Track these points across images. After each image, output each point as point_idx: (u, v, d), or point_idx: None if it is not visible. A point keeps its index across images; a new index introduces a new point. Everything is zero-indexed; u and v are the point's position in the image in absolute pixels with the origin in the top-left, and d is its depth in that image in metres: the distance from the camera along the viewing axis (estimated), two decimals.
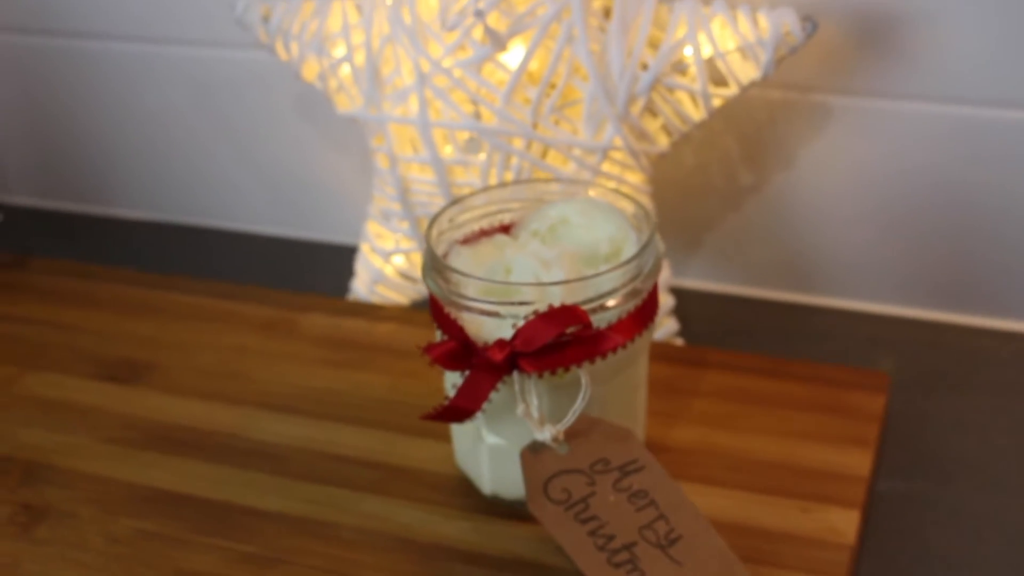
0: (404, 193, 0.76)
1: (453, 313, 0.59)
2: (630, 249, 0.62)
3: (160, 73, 0.94)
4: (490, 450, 0.63)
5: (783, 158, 0.80)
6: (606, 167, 0.73)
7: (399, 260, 0.81)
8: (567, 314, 0.56)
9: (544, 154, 0.73)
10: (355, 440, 0.70)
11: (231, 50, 0.90)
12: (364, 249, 0.82)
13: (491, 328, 0.58)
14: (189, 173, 0.98)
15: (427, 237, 0.61)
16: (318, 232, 0.96)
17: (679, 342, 0.79)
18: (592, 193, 0.64)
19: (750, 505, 0.63)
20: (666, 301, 0.77)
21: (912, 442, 0.72)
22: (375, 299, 0.83)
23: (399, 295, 0.82)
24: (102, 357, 0.79)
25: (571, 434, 0.58)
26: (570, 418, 0.58)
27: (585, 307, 0.57)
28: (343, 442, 0.70)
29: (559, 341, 0.56)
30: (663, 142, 0.74)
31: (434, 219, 0.62)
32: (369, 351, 0.77)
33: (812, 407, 0.70)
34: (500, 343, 0.57)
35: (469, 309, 0.58)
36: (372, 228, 0.81)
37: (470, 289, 0.58)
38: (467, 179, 0.75)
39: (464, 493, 0.65)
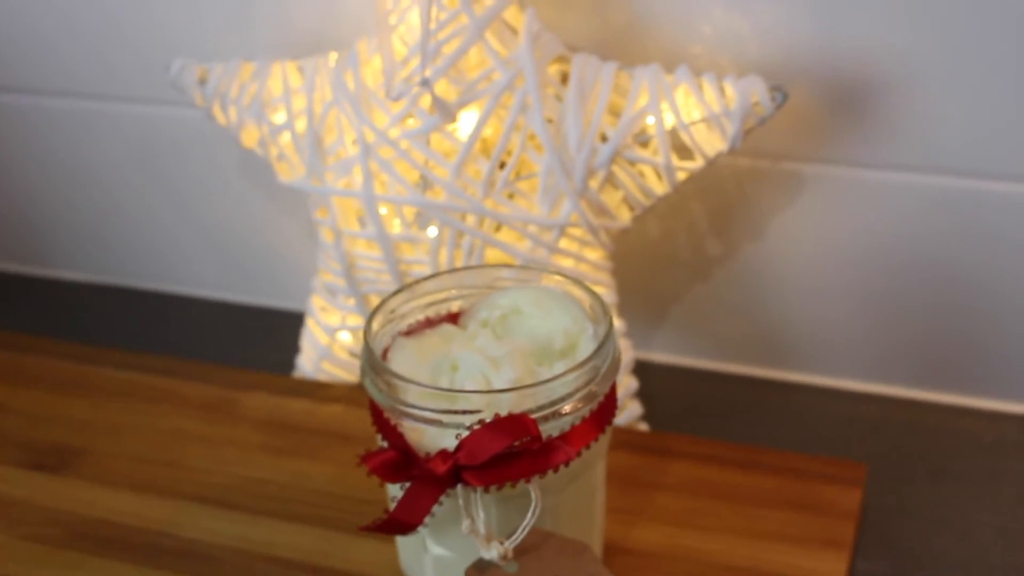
0: (349, 269, 0.72)
1: (393, 419, 0.54)
2: (586, 343, 0.58)
3: (101, 131, 0.89)
4: (435, 561, 0.58)
5: (753, 228, 0.76)
6: (563, 244, 0.69)
7: (346, 336, 0.76)
8: (515, 425, 0.52)
9: (497, 229, 0.69)
10: (294, 540, 0.65)
11: (175, 108, 0.85)
12: (309, 324, 0.78)
13: (434, 436, 0.53)
14: (132, 234, 0.93)
15: (365, 333, 0.57)
16: (265, 297, 0.92)
17: (643, 427, 0.74)
18: (546, 281, 0.60)
19: None
20: (629, 383, 0.73)
21: (889, 538, 0.67)
22: (321, 376, 0.78)
23: (347, 373, 0.78)
24: (30, 442, 0.74)
25: (521, 551, 0.54)
26: (519, 535, 0.53)
27: (537, 414, 0.52)
28: (281, 542, 0.65)
29: (507, 453, 0.52)
30: (624, 217, 0.70)
31: (373, 313, 0.58)
32: (314, 436, 0.73)
33: (783, 503, 0.66)
34: (443, 454, 0.53)
35: (409, 416, 0.53)
36: (317, 302, 0.77)
37: (411, 394, 0.53)
38: (416, 256, 0.70)
39: None
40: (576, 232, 0.68)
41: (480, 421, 0.52)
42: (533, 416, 0.52)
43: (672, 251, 0.79)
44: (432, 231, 0.70)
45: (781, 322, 0.78)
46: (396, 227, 0.70)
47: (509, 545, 0.53)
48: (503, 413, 0.52)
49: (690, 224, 0.77)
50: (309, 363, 0.78)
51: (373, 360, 0.55)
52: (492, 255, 0.70)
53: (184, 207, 0.90)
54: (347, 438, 0.72)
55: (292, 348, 0.82)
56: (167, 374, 0.79)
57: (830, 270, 0.76)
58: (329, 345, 0.77)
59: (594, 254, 0.70)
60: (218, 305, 0.93)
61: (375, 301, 0.73)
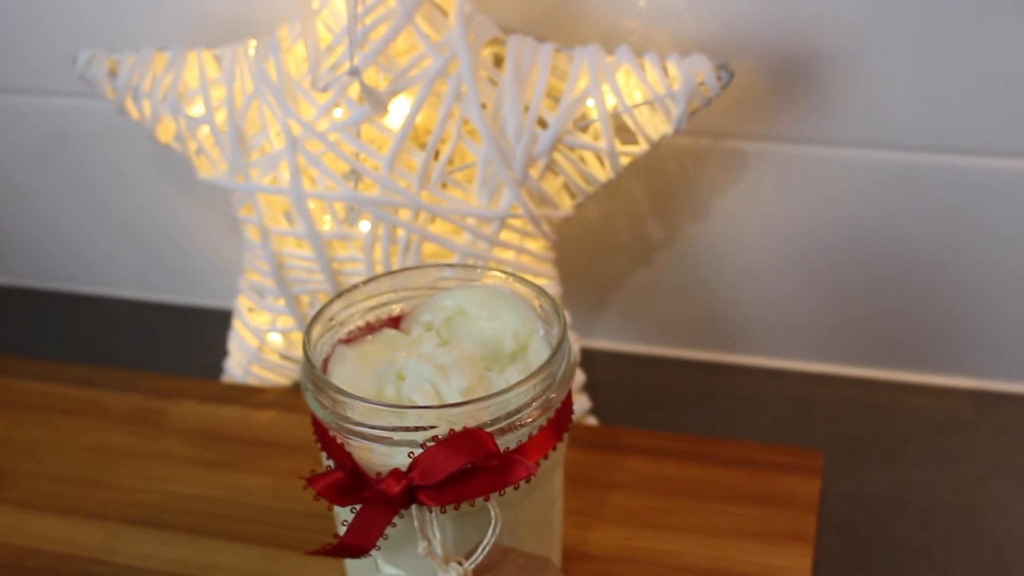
0: (278, 269, 0.68)
1: (339, 437, 0.51)
2: (537, 345, 0.55)
3: (5, 123, 0.84)
4: None
5: (695, 209, 0.74)
6: (504, 235, 0.66)
7: (276, 338, 0.72)
8: (472, 441, 0.48)
9: (433, 222, 0.66)
10: (234, 561, 0.61)
11: (84, 99, 0.80)
12: (237, 326, 0.74)
13: (383, 453, 0.50)
14: (41, 232, 0.88)
15: (304, 345, 0.53)
16: (187, 295, 0.87)
17: (591, 421, 0.71)
18: (490, 280, 0.57)
19: None
20: (577, 377, 0.70)
21: (849, 527, 0.66)
22: (252, 380, 0.74)
23: (279, 376, 0.74)
24: None
25: (480, 569, 0.51)
26: (479, 555, 0.50)
27: (493, 427, 0.49)
28: (221, 564, 0.61)
29: (464, 470, 0.49)
30: (566, 205, 0.67)
31: (311, 323, 0.54)
32: (247, 446, 0.69)
33: (742, 497, 0.63)
34: (396, 474, 0.49)
35: (357, 435, 0.50)
36: (244, 303, 0.73)
37: (357, 411, 0.50)
38: (349, 253, 0.66)
39: None
40: (517, 223, 0.65)
41: (434, 437, 0.49)
42: (489, 429, 0.49)
43: (612, 235, 0.76)
44: (365, 226, 0.67)
45: (726, 304, 0.76)
46: (327, 224, 0.66)
47: (468, 566, 0.50)
48: (458, 428, 0.49)
49: (630, 207, 0.75)
50: (238, 367, 0.74)
51: (314, 375, 0.52)
52: (429, 250, 0.66)
53: (97, 202, 0.85)
54: (283, 447, 0.68)
55: (219, 349, 0.79)
56: (87, 384, 0.75)
57: (775, 250, 0.74)
58: (259, 348, 0.73)
59: (535, 245, 0.67)
60: (136, 305, 0.88)
61: (306, 301, 0.70)
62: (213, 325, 0.83)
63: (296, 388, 0.74)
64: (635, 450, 0.67)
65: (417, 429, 0.49)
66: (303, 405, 0.71)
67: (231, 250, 0.82)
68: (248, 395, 0.73)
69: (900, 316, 0.74)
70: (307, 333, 0.54)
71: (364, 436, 0.50)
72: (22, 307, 0.89)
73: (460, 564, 0.50)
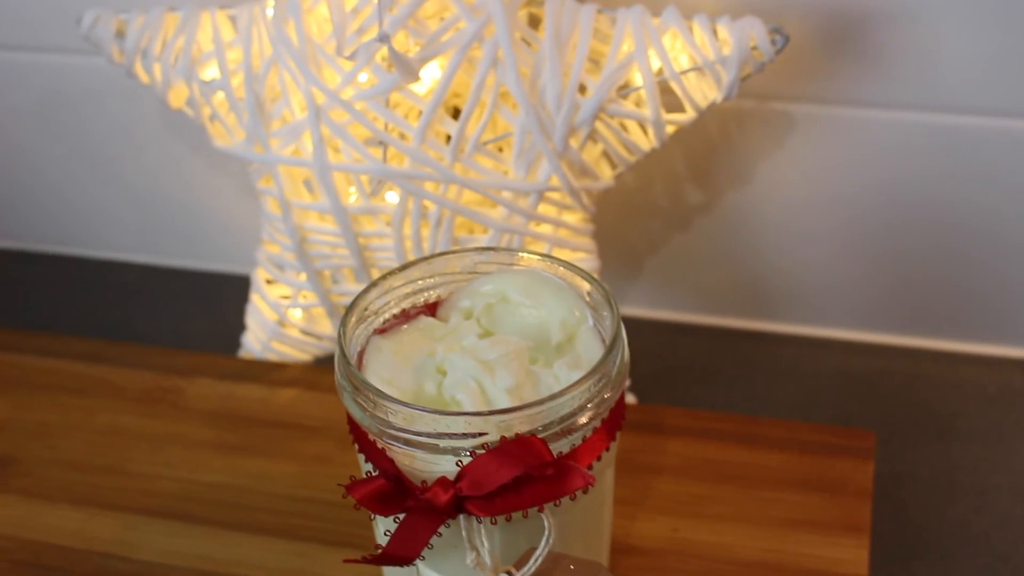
0: (301, 243, 0.64)
1: (380, 442, 0.48)
2: (586, 336, 0.51)
3: (6, 81, 0.79)
4: None
5: (737, 173, 0.70)
6: (541, 209, 0.62)
7: (297, 313, 0.69)
8: (525, 450, 0.45)
9: (460, 194, 0.62)
10: (261, 557, 0.58)
11: (86, 56, 0.75)
12: (255, 300, 0.70)
13: (429, 460, 0.47)
14: (43, 194, 0.83)
15: (339, 338, 0.50)
16: (200, 260, 0.83)
17: (630, 399, 0.68)
18: (531, 263, 0.53)
19: None
20: None
21: (902, 511, 0.63)
22: (271, 356, 0.71)
23: (300, 352, 0.70)
24: None
25: None
26: (531, 567, 0.47)
27: (546, 432, 0.46)
28: (247, 560, 0.58)
29: (515, 479, 0.46)
30: (606, 175, 0.63)
31: (346, 316, 0.50)
32: (270, 428, 0.66)
33: (792, 483, 0.61)
34: (443, 483, 0.46)
35: (399, 440, 0.47)
36: (262, 275, 0.69)
37: (399, 416, 0.47)
38: (376, 228, 0.63)
39: None
40: (555, 196, 0.62)
41: (484, 445, 0.46)
42: (542, 435, 0.46)
43: (649, 199, 0.72)
44: (392, 196, 0.63)
45: (767, 271, 0.73)
46: (353, 196, 0.62)
47: None
48: (509, 434, 0.46)
49: (668, 170, 0.71)
50: (257, 342, 0.71)
51: (351, 374, 0.48)
52: (462, 224, 0.63)
53: (103, 163, 0.81)
54: (307, 429, 0.65)
55: (236, 318, 0.75)
56: (97, 360, 0.71)
57: (820, 215, 0.70)
58: (278, 323, 0.69)
59: (573, 217, 0.63)
60: (146, 269, 0.84)
61: (328, 276, 0.66)
62: (229, 291, 0.79)
63: (319, 364, 0.71)
64: (679, 431, 0.64)
65: (465, 436, 0.46)
66: (327, 382, 0.68)
67: (247, 213, 0.78)
68: (268, 372, 0.70)
69: (948, 283, 0.71)
70: (342, 326, 0.50)
71: (408, 443, 0.47)
72: (24, 272, 0.85)
73: (510, 574, 0.47)
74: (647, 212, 0.72)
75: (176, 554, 0.59)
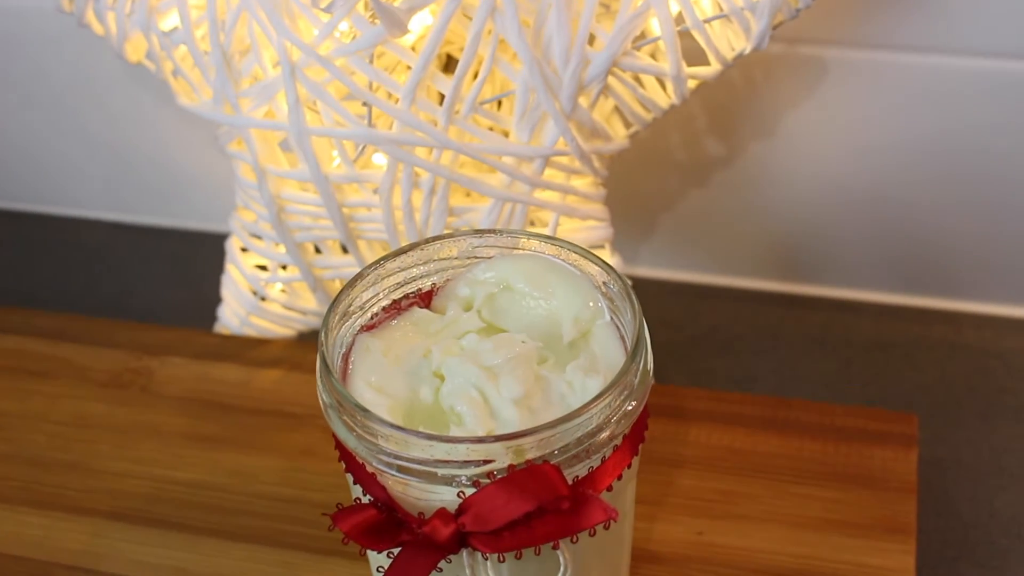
0: (278, 214, 0.58)
1: (370, 467, 0.42)
2: (602, 333, 0.46)
3: None
4: None
5: (761, 124, 0.63)
6: (547, 174, 0.55)
7: (277, 287, 0.62)
8: (537, 481, 0.39)
9: (461, 160, 0.55)
10: (243, 568, 0.53)
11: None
12: (231, 271, 0.63)
13: (426, 489, 0.41)
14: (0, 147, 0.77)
15: (320, 349, 0.43)
16: (170, 217, 0.77)
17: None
18: (536, 246, 0.47)
19: None
20: None
21: (948, 504, 0.57)
22: (250, 331, 0.64)
23: (281, 327, 0.64)
24: None
25: None
26: None
27: (562, 456, 0.40)
28: (227, 572, 0.53)
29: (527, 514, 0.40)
30: (619, 134, 0.56)
31: (328, 314, 0.44)
32: (250, 416, 0.60)
33: (828, 476, 0.55)
34: (443, 515, 0.40)
35: (391, 467, 0.41)
36: (237, 244, 0.63)
37: (391, 440, 0.41)
38: (362, 198, 0.56)
39: None
40: (562, 160, 0.55)
41: (490, 474, 0.40)
42: (558, 460, 0.40)
43: (664, 153, 0.65)
44: (379, 159, 0.56)
45: (793, 229, 0.66)
46: (336, 162, 0.56)
47: None
48: (519, 459, 0.40)
49: (686, 121, 0.64)
50: (234, 317, 0.64)
51: (335, 389, 0.42)
52: (458, 191, 0.56)
53: (63, 115, 0.74)
54: (292, 417, 0.59)
55: (211, 281, 0.68)
56: (61, 338, 0.65)
57: (852, 168, 0.64)
58: (256, 296, 0.63)
59: (583, 182, 0.57)
60: (112, 227, 0.77)
61: (311, 249, 0.60)
62: (205, 251, 0.73)
63: (303, 340, 0.65)
64: (702, 416, 0.58)
65: (467, 464, 0.40)
66: (312, 361, 0.62)
67: (223, 166, 0.72)
68: (247, 349, 0.63)
69: (991, 241, 0.64)
70: (323, 328, 0.44)
71: (401, 470, 0.41)
72: None
73: None
74: (662, 165, 0.66)
75: (149, 566, 0.53)
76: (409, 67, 0.53)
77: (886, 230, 0.65)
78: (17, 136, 0.75)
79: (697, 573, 0.52)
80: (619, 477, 0.43)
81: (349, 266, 0.59)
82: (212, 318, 0.67)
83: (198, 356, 0.63)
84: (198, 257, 0.74)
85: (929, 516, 0.56)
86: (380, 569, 0.42)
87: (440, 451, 0.40)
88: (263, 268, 0.62)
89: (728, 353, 0.65)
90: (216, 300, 0.67)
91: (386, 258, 0.47)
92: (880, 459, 0.55)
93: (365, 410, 0.41)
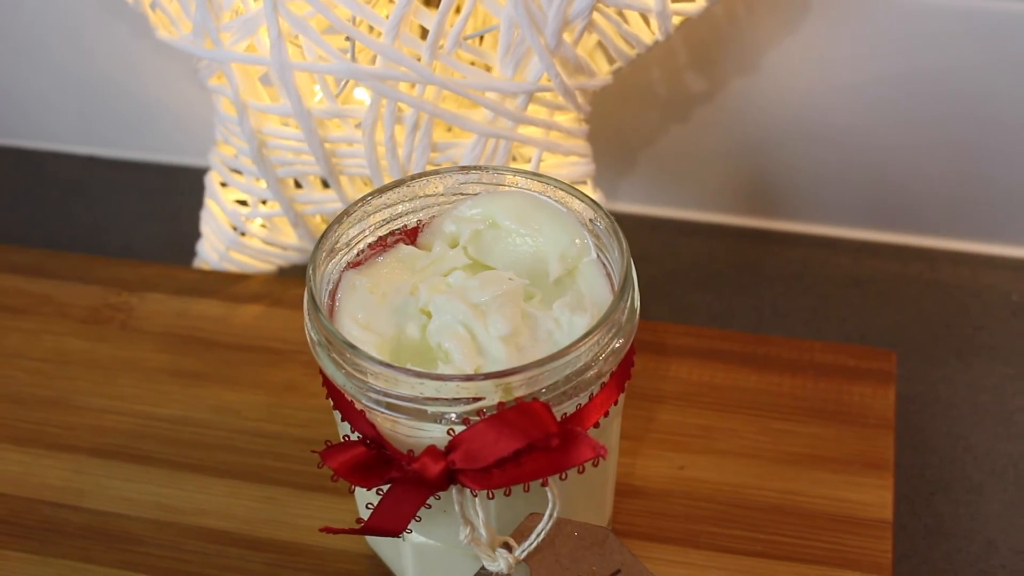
0: (259, 148, 0.57)
1: (359, 404, 0.42)
2: (589, 270, 0.46)
3: None
4: (415, 549, 0.47)
5: (743, 59, 0.63)
6: (530, 110, 0.55)
7: (258, 222, 0.62)
8: (527, 418, 0.40)
9: (445, 98, 0.55)
10: (227, 504, 0.53)
11: None
12: (210, 206, 0.63)
13: (416, 427, 0.41)
14: None
15: (307, 285, 0.43)
16: (147, 151, 0.76)
17: None
18: (521, 182, 0.47)
19: None
20: None
21: (924, 439, 0.58)
22: (229, 267, 0.64)
23: (261, 262, 0.64)
24: None
25: (533, 549, 0.43)
26: (532, 542, 0.42)
27: (552, 394, 0.40)
28: (211, 507, 0.53)
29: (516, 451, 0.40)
30: (603, 70, 0.56)
31: (315, 253, 0.44)
32: (231, 352, 0.60)
33: (807, 411, 0.56)
34: (432, 453, 0.41)
35: (380, 404, 0.41)
36: (217, 179, 0.62)
37: (380, 377, 0.41)
38: (345, 133, 0.56)
39: None
40: (546, 96, 0.55)
41: (479, 412, 0.40)
42: (545, 398, 0.40)
43: (644, 87, 0.65)
44: (361, 94, 0.56)
45: (775, 165, 0.66)
46: (318, 97, 0.55)
47: (520, 553, 0.42)
48: (508, 397, 0.40)
49: (666, 56, 0.64)
50: (213, 252, 0.64)
51: (325, 328, 0.42)
52: (441, 127, 0.56)
53: (33, 45, 0.72)
54: (273, 352, 0.59)
55: (189, 216, 0.68)
56: (38, 274, 0.64)
57: (834, 106, 0.64)
58: (236, 231, 0.63)
59: (565, 118, 0.57)
60: (87, 161, 0.77)
61: (292, 184, 0.59)
62: (184, 185, 0.72)
63: (283, 275, 0.65)
64: (682, 351, 0.58)
65: (457, 401, 0.40)
66: (293, 296, 0.62)
67: (201, 98, 0.71)
68: (227, 285, 0.63)
69: (970, 179, 0.65)
70: (311, 265, 0.44)
71: (390, 407, 0.41)
72: None
73: (509, 550, 0.42)
74: (642, 100, 0.66)
75: (132, 502, 0.53)
76: (392, 1, 0.53)
77: (865, 167, 0.65)
78: None
79: (679, 507, 0.52)
80: (606, 414, 0.44)
81: (330, 201, 0.59)
82: (190, 253, 0.66)
83: (178, 291, 0.63)
84: (175, 191, 0.73)
85: (905, 450, 0.57)
86: (369, 506, 0.43)
87: (430, 389, 0.40)
88: (243, 203, 0.62)
89: (707, 289, 0.66)
90: (193, 235, 0.66)
91: (372, 194, 0.46)
92: (858, 395, 0.56)
93: (354, 347, 0.41)
